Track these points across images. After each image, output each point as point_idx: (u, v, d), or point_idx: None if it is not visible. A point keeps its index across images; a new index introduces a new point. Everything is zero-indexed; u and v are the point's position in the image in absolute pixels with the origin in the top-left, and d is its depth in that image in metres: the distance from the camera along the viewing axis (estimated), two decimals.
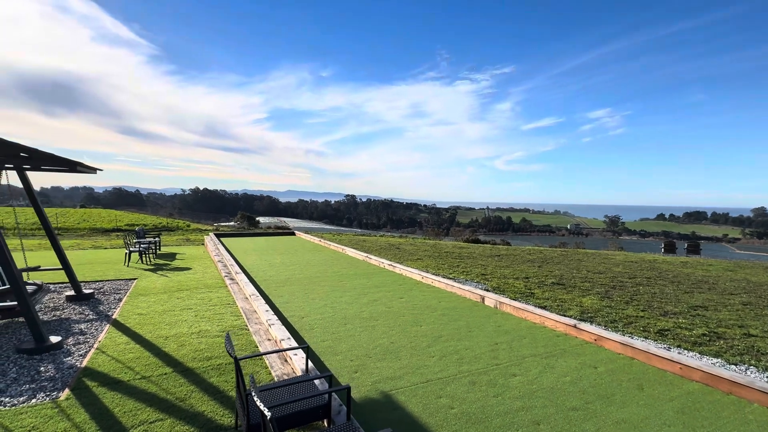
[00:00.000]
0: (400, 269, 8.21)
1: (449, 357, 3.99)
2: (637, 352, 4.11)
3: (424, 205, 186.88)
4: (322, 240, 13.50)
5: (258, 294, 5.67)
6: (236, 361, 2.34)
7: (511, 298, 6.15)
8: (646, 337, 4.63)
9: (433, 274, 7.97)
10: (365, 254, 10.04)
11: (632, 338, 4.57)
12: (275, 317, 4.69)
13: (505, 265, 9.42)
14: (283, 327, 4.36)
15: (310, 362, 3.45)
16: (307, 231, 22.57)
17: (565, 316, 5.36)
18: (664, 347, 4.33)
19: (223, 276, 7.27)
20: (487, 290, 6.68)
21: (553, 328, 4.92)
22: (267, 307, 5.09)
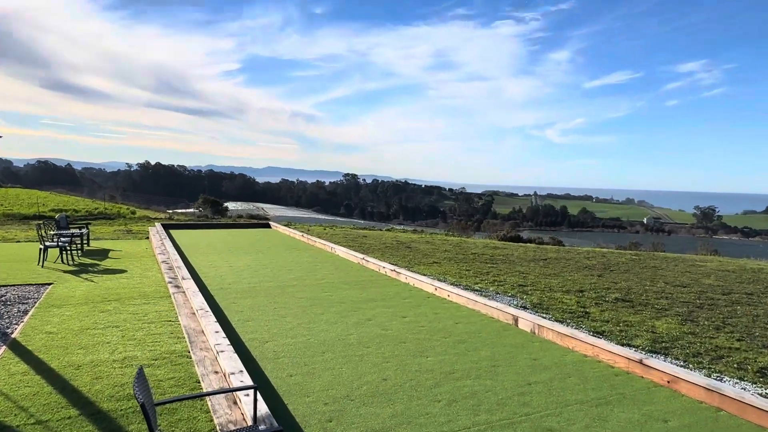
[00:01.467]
0: (407, 277, 8.15)
1: (462, 402, 3.87)
2: (727, 401, 3.94)
3: (450, 190, 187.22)
4: (305, 235, 13.50)
5: (208, 308, 5.62)
6: (143, 408, 2.21)
7: (555, 320, 6.07)
8: (741, 379, 4.47)
9: (453, 284, 7.90)
10: (361, 255, 10.02)
11: (721, 380, 4.40)
12: (227, 341, 4.62)
13: (552, 273, 9.33)
14: (235, 355, 4.28)
15: (264, 406, 3.36)
16: (289, 221, 22.64)
17: (628, 346, 5.22)
18: (767, 395, 4.16)
19: (166, 282, 7.26)
20: (524, 308, 6.58)
21: (610, 363, 4.77)
22: (218, 326, 5.03)
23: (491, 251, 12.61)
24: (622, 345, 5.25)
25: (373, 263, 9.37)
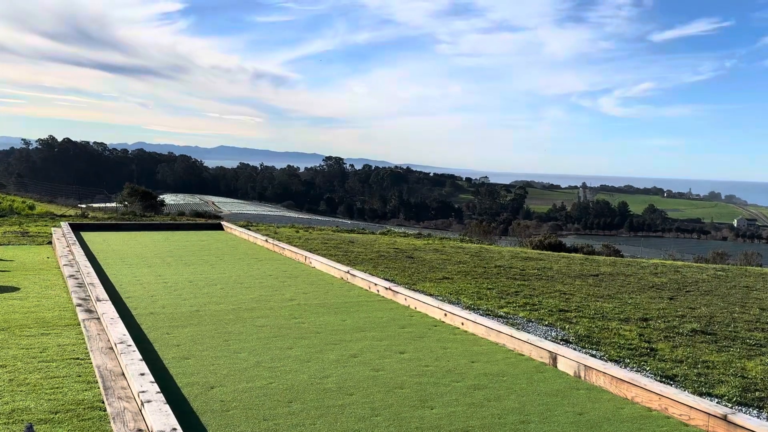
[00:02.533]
0: (408, 298, 8.13)
1: None
2: None
3: (467, 180, 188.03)
4: (270, 240, 13.48)
5: (131, 341, 5.56)
6: None
7: (609, 359, 6.06)
8: None
9: (468, 308, 7.89)
10: (346, 268, 10.02)
11: None
12: (156, 387, 4.56)
13: (606, 294, 9.36)
14: (167, 407, 4.23)
15: None
16: (249, 221, 22.60)
17: (709, 396, 5.20)
18: None
19: (74, 305, 7.20)
20: (566, 342, 6.57)
21: (683, 419, 4.75)
22: (145, 366, 4.97)
23: (522, 263, 12.60)
24: (701, 395, 5.22)
25: (362, 279, 9.34)
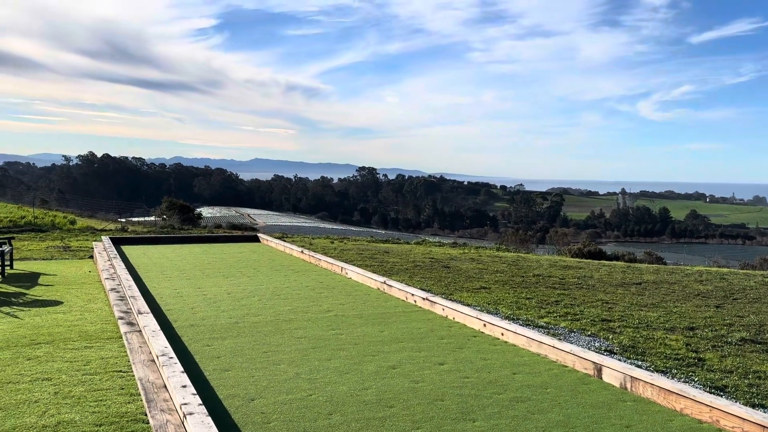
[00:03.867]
0: (445, 308, 8.08)
1: None
2: None
3: (503, 188, 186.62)
4: (306, 251, 13.57)
5: (173, 353, 5.63)
6: None
7: (655, 370, 5.92)
8: None
9: (508, 318, 7.80)
10: (382, 278, 10.02)
11: None
12: (198, 399, 4.61)
13: (650, 303, 9.17)
14: (209, 419, 4.26)
15: None
16: (285, 233, 22.82)
17: (762, 408, 5.04)
18: None
19: (117, 317, 7.34)
20: (611, 352, 6.44)
21: None
22: (186, 378, 5.03)
23: (561, 272, 12.43)
24: (753, 406, 5.06)
25: (399, 289, 9.32)
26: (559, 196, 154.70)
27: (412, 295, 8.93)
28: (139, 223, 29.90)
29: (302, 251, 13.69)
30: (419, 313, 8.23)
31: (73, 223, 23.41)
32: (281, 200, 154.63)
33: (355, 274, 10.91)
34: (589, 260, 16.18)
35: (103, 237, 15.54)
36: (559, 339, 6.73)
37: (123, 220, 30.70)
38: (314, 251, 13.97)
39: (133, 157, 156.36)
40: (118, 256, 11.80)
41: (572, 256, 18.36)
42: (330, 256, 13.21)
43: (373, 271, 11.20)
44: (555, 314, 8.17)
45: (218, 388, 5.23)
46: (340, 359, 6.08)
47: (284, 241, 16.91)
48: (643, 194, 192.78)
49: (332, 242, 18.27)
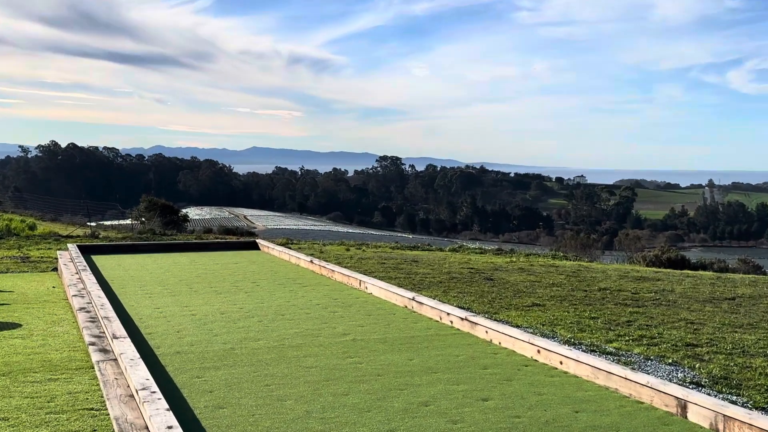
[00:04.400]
0: (489, 330, 8.04)
1: None
2: None
3: (559, 180, 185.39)
4: (316, 261, 13.61)
5: (155, 387, 5.67)
6: None
7: (755, 407, 5.84)
8: None
9: (567, 342, 7.75)
10: (411, 294, 10.01)
11: None
12: None
13: (746, 323, 9.06)
14: None
15: None
16: (290, 238, 22.92)
17: None
18: None
19: (87, 343, 7.42)
20: (698, 385, 6.36)
21: None
22: (172, 417, 5.06)
23: (634, 284, 12.32)
24: None
25: (431, 307, 9.31)
26: (630, 190, 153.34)
27: (448, 314, 8.90)
28: (112, 227, 30.26)
29: (311, 261, 13.72)
30: (457, 336, 8.20)
31: (32, 228, 23.74)
32: (284, 198, 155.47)
33: (377, 288, 10.91)
34: (668, 270, 16.01)
35: (69, 245, 15.75)
36: (633, 369, 6.66)
37: (93, 223, 31.07)
38: (326, 261, 14.00)
39: (105, 147, 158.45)
40: (87, 268, 11.94)
41: (647, 265, 18.17)
42: (345, 267, 13.22)
43: (399, 285, 11.19)
44: (627, 337, 8.09)
45: (211, 429, 5.26)
46: (359, 394, 6.08)
47: (289, 248, 16.98)
48: (736, 187, 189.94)
49: (348, 249, 18.32)
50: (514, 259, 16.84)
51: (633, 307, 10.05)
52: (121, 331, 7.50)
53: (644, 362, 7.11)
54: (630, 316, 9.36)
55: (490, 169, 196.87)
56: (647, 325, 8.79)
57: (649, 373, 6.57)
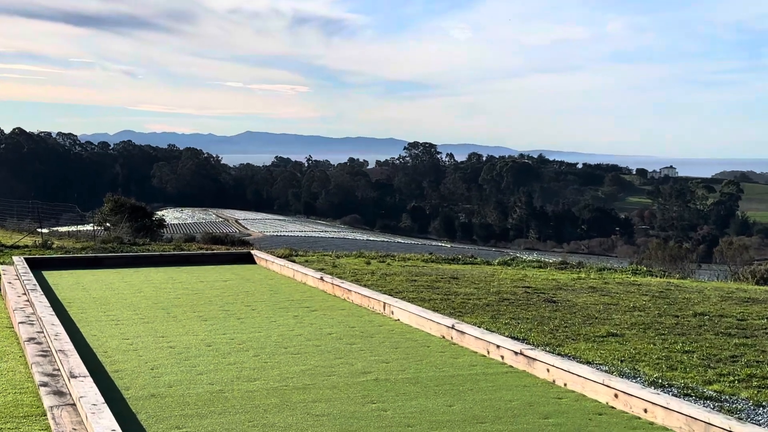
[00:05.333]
0: (552, 367, 8.00)
1: None
2: None
3: (640, 172, 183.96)
4: (327, 278, 13.62)
5: None
6: None
7: None
8: None
9: (655, 383, 7.69)
10: (450, 321, 9.98)
11: None
12: None
13: None
14: None
15: None
16: (293, 249, 22.95)
17: None
18: None
19: (38, 383, 7.45)
20: None
21: None
22: None
23: (740, 308, 12.18)
24: None
25: (475, 338, 9.27)
26: (735, 186, 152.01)
27: (498, 346, 8.85)
28: (69, 234, 30.51)
29: (321, 278, 13.70)
30: (510, 376, 8.16)
31: None
32: (287, 197, 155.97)
33: (406, 313, 10.86)
34: None
35: (14, 257, 15.86)
36: (740, 419, 6.59)
37: (45, 230, 31.31)
38: (340, 277, 13.98)
39: (60, 134, 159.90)
40: (38, 288, 12.00)
41: (758, 283, 17.99)
42: (366, 286, 13.19)
43: (435, 309, 11.14)
44: (731, 378, 7.99)
45: None
46: None
47: (293, 261, 17.00)
48: None
49: (368, 262, 18.31)
50: (583, 276, 16.73)
51: (739, 338, 9.92)
52: (80, 368, 7.51)
53: (754, 410, 7.02)
54: (735, 350, 9.24)
55: (550, 159, 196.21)
56: (758, 362, 8.67)
57: (761, 425, 6.50)
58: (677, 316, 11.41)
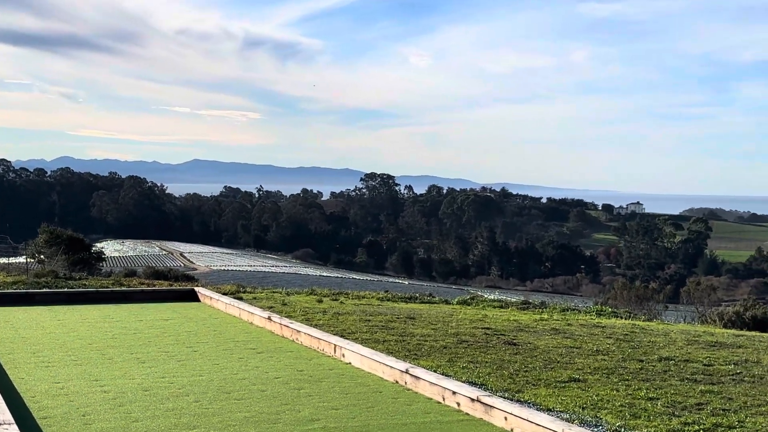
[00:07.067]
0: (509, 415, 8.01)
1: None
2: None
3: (606, 208, 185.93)
4: (276, 317, 13.57)
5: None
6: None
7: None
8: None
9: None
10: (405, 365, 9.97)
11: None
12: None
13: None
14: None
15: None
16: (241, 285, 22.82)
17: None
18: None
19: None
20: None
21: None
22: None
23: (707, 353, 12.30)
24: None
25: (431, 383, 9.27)
26: (703, 223, 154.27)
27: (454, 392, 8.84)
28: (0, 267, 30.11)
29: (269, 317, 13.65)
30: (465, 424, 8.14)
31: None
32: (236, 229, 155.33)
33: (358, 356, 10.84)
34: (754, 333, 15.98)
35: None
36: None
37: None
38: (290, 317, 13.93)
39: None
40: None
41: (725, 326, 18.16)
42: (316, 326, 13.15)
43: (389, 352, 11.12)
44: (696, 426, 8.00)
45: None
46: None
47: (241, 299, 16.90)
48: None
49: (320, 300, 18.24)
50: (546, 316, 16.80)
51: (705, 384, 9.97)
52: (5, 414, 7.39)
53: None
54: (701, 397, 9.28)
55: (513, 192, 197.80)
56: (724, 410, 8.71)
57: None
58: (642, 361, 11.47)
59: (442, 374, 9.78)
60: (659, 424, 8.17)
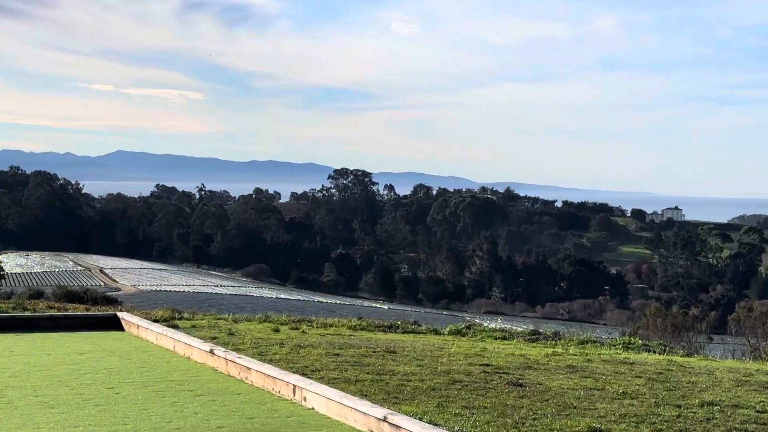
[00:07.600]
0: None
1: None
2: None
3: (636, 213, 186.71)
4: (219, 351, 13.56)
5: None
6: None
7: None
8: None
9: None
10: (381, 411, 9.97)
11: None
12: None
13: None
14: None
15: None
16: (176, 309, 22.82)
17: None
18: None
19: None
20: None
21: None
22: None
23: (759, 396, 12.39)
24: None
25: None
26: (757, 234, 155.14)
27: None
28: None
29: (212, 350, 13.64)
30: None
31: None
32: (171, 239, 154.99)
33: (324, 400, 10.83)
34: None
35: None
36: None
37: None
38: (238, 349, 13.93)
39: None
40: None
41: None
42: (271, 362, 13.15)
43: (362, 395, 11.15)
44: None
45: None
46: None
47: (175, 327, 16.89)
48: None
49: (277, 330, 18.27)
50: (560, 350, 16.85)
51: None
52: None
53: None
54: None
55: (521, 194, 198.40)
56: None
57: None
58: (680, 406, 11.49)
59: (430, 422, 9.79)
60: None
